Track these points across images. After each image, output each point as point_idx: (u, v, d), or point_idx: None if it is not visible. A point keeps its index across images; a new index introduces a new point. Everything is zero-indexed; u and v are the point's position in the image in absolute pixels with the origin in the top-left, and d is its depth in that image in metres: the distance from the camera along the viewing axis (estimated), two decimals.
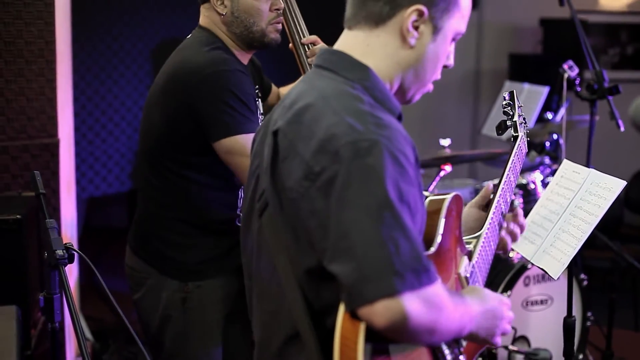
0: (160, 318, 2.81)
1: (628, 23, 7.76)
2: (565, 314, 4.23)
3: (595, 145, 4.32)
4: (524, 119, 2.72)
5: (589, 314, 4.42)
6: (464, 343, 1.98)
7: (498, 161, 5.13)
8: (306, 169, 1.70)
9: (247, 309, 2.64)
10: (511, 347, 4.08)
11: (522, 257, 4.15)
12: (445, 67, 1.94)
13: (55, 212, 3.55)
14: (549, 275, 2.66)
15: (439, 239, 1.93)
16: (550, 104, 5.72)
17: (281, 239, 1.79)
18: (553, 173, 4.68)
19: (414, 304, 1.59)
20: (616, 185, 2.67)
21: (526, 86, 5.56)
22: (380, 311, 1.58)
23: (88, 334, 4.55)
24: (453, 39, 1.91)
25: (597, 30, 7.49)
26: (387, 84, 1.86)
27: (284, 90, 3.30)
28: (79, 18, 4.90)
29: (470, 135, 7.76)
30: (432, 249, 1.91)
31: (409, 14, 1.80)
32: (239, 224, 2.78)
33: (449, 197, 2.02)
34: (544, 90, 5.20)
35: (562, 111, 4.66)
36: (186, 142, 2.70)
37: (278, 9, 2.80)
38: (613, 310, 4.84)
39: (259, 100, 2.96)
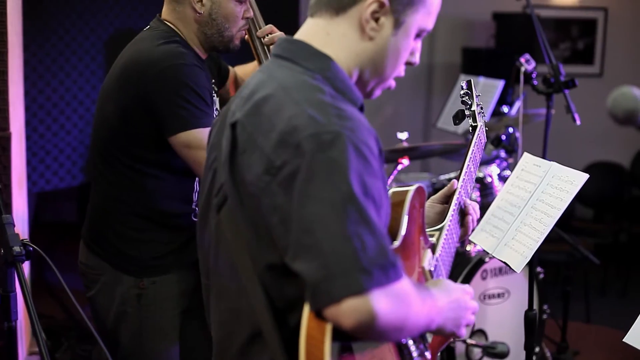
0: (116, 315, 2.76)
1: (579, 18, 7.83)
2: (521, 307, 4.25)
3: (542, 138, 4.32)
4: (482, 108, 2.70)
5: (545, 307, 4.44)
6: (430, 338, 1.96)
7: (453, 154, 5.14)
8: (266, 162, 1.65)
9: (202, 305, 2.59)
10: (469, 341, 4.09)
11: (480, 251, 4.17)
12: (409, 64, 1.89)
13: (7, 207, 3.46)
14: (512, 268, 2.64)
15: (403, 232, 1.89)
16: (505, 98, 5.74)
17: (241, 234, 1.74)
18: (509, 166, 4.70)
19: (382, 302, 1.54)
20: (578, 179, 2.66)
21: (481, 80, 5.57)
22: (347, 310, 1.53)
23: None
24: (418, 35, 1.86)
25: (548, 24, 7.54)
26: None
27: (239, 69, 3.28)
28: (31, 9, 4.80)
29: (422, 128, 7.77)
30: (397, 243, 1.87)
31: (369, 4, 1.76)
32: (195, 219, 2.75)
33: (412, 189, 1.98)
34: (499, 84, 5.22)
35: (519, 104, 4.67)
36: (141, 136, 2.66)
37: (248, 18, 2.81)
38: (568, 303, 4.89)
39: (216, 95, 2.92)
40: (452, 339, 2.02)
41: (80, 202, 6.72)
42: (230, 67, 3.23)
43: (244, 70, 3.26)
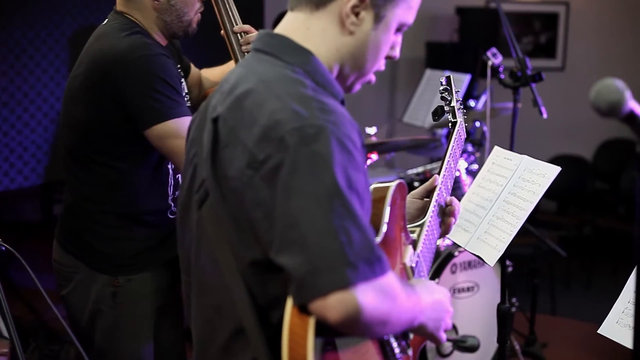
0: (90, 313, 2.74)
1: (541, 12, 7.89)
2: (491, 300, 4.29)
3: (507, 132, 4.34)
4: (462, 104, 2.68)
5: (513, 299, 4.47)
6: (411, 336, 1.94)
7: (419, 149, 5.16)
8: (249, 157, 1.63)
9: (176, 303, 2.57)
10: None
11: (449, 245, 4.18)
12: (390, 58, 1.88)
13: None
14: (485, 262, 2.65)
15: (384, 228, 1.87)
16: (471, 92, 5.76)
17: (223, 230, 1.72)
18: (477, 160, 4.72)
19: (367, 296, 1.54)
20: (550, 172, 2.68)
21: (447, 74, 5.57)
22: (333, 304, 1.52)
23: (5, 333, 4.41)
24: (398, 30, 1.85)
25: (511, 19, 7.52)
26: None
27: (206, 72, 3.26)
28: None
29: (387, 123, 7.78)
30: (378, 239, 1.84)
31: None
32: (171, 216, 2.73)
33: (393, 184, 1.95)
34: (466, 78, 5.23)
35: (486, 98, 4.69)
36: (115, 133, 2.63)
37: (203, 1, 2.79)
38: (536, 296, 4.93)
39: (184, 80, 2.90)
40: (429, 341, 2.00)
41: (43, 201, 6.65)
42: (195, 68, 3.20)
43: (211, 74, 3.24)
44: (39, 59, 5.19)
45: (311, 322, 1.57)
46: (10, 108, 5.09)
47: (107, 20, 2.77)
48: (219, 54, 3.23)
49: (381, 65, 1.87)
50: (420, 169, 4.75)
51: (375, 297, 1.56)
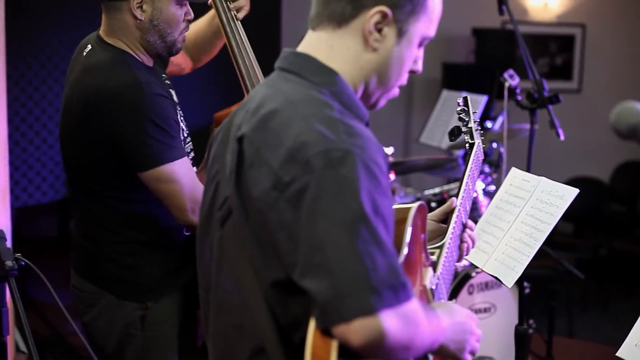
0: (119, 338, 2.71)
1: (557, 34, 7.89)
2: (508, 321, 4.27)
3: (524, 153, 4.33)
4: (479, 125, 2.68)
5: (531, 321, 4.45)
6: (431, 358, 1.92)
7: (436, 169, 5.15)
8: (274, 178, 1.62)
9: (192, 324, 2.53)
10: None
11: (467, 266, 4.17)
12: (413, 72, 1.87)
13: None
14: (503, 283, 2.65)
15: (405, 250, 1.85)
16: (488, 113, 5.75)
17: (246, 249, 1.71)
18: (493, 181, 4.71)
19: (391, 322, 1.54)
20: (569, 193, 2.68)
21: (464, 95, 5.57)
22: (357, 329, 1.52)
23: (23, 348, 4.42)
24: (420, 44, 1.84)
25: (527, 40, 7.47)
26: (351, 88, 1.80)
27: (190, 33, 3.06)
28: (12, 21, 4.76)
29: (403, 143, 7.78)
30: (399, 260, 1.82)
31: (372, 15, 1.73)
32: (186, 233, 2.72)
33: (414, 206, 1.94)
34: (483, 99, 5.23)
35: (502, 120, 4.68)
36: (117, 170, 2.61)
37: (190, 20, 2.74)
38: (553, 318, 4.90)
39: (173, 92, 2.79)
40: None
41: (60, 217, 6.67)
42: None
43: (195, 30, 3.10)
44: (57, 75, 5.21)
45: (334, 345, 1.57)
46: (28, 124, 5.11)
47: (90, 47, 2.69)
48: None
49: (404, 79, 1.86)
50: (437, 190, 4.75)
51: (399, 323, 1.56)
